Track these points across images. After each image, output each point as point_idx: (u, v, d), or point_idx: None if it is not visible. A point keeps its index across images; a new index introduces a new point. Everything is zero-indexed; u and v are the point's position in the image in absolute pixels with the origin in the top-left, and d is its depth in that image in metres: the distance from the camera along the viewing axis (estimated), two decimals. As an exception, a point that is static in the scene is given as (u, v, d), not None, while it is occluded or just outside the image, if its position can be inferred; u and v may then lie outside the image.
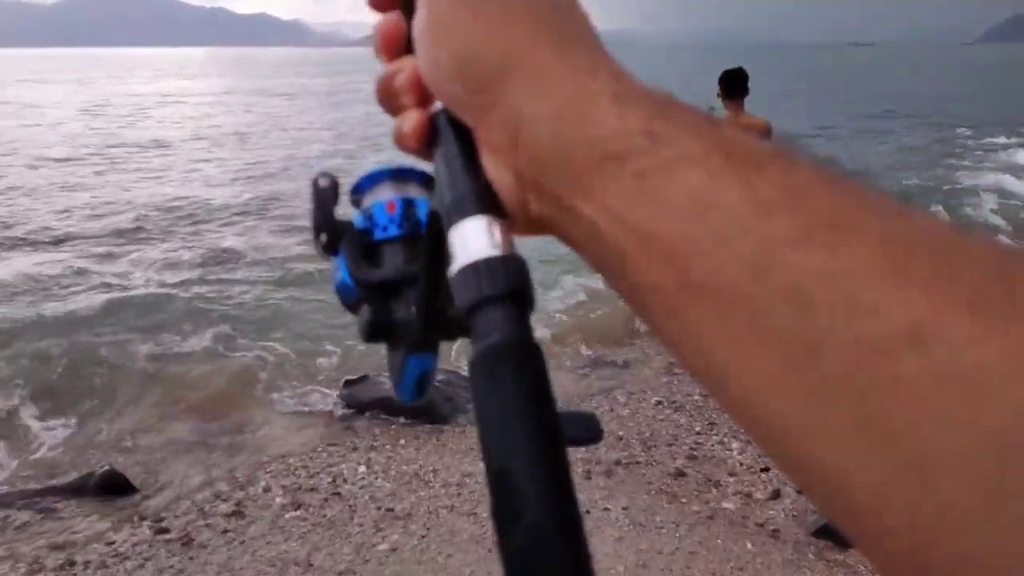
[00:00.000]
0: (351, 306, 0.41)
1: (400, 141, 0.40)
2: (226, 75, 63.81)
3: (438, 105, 0.39)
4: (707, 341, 0.28)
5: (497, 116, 0.35)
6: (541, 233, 0.36)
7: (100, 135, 19.30)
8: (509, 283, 0.32)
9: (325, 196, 0.42)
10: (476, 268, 0.33)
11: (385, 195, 0.42)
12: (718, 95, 6.00)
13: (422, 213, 0.42)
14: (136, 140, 18.29)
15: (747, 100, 5.98)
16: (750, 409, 0.27)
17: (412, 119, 0.39)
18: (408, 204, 0.42)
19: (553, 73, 0.34)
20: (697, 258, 0.28)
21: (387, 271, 0.40)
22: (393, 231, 0.41)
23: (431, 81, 0.38)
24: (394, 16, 0.41)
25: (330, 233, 0.41)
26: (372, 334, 0.40)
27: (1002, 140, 17.18)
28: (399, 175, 0.43)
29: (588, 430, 0.36)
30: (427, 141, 0.39)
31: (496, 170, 0.35)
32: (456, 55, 0.36)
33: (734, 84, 5.94)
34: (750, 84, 5.98)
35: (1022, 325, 0.23)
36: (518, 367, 0.30)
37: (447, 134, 0.38)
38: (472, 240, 0.34)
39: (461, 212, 0.35)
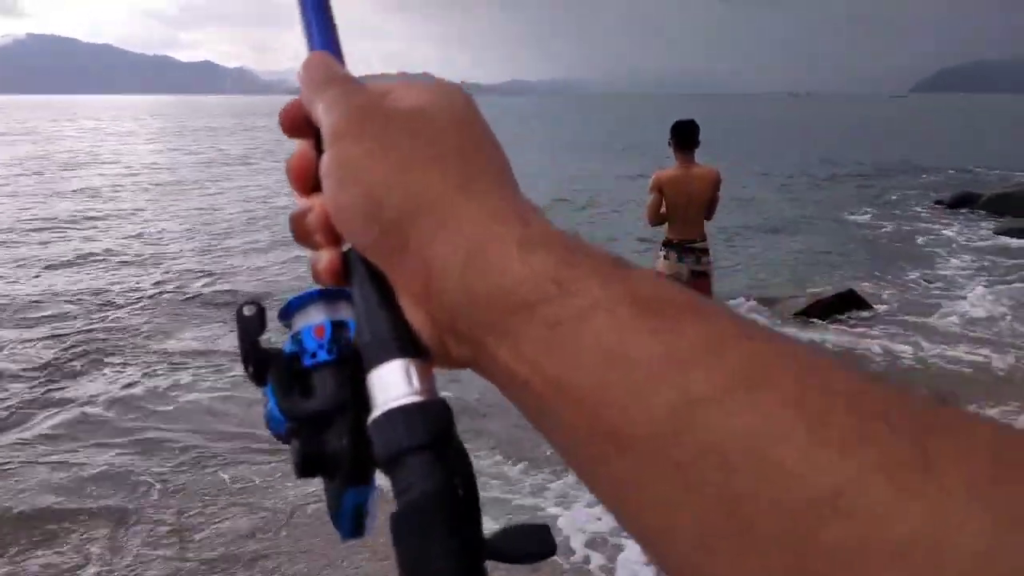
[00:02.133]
0: (282, 437, 0.39)
1: (316, 278, 0.40)
2: (169, 120, 63.30)
3: None
4: (633, 497, 0.28)
5: (406, 262, 0.34)
6: (464, 368, 0.36)
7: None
8: (428, 432, 0.32)
9: (250, 325, 0.40)
10: (392, 417, 0.33)
11: (314, 318, 0.40)
12: (669, 144, 6.16)
13: (353, 334, 0.39)
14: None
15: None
16: (687, 571, 0.27)
17: (325, 258, 0.39)
18: (338, 327, 0.39)
19: (459, 217, 0.33)
20: (615, 410, 0.28)
21: (317, 402, 0.38)
22: (323, 356, 0.39)
23: (338, 223, 0.37)
24: (305, 148, 0.40)
25: (256, 363, 0.39)
26: (304, 469, 0.37)
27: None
28: (328, 296, 0.41)
29: (540, 544, 0.35)
30: (342, 278, 0.39)
31: (412, 312, 0.35)
32: (361, 199, 0.35)
33: (685, 135, 6.11)
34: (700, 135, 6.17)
35: (938, 487, 0.23)
36: (441, 521, 0.30)
37: (361, 272, 0.37)
38: (390, 385, 0.34)
39: (379, 355, 0.35)
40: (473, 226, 0.33)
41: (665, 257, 6.33)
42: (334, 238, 0.39)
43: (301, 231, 0.40)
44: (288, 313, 0.42)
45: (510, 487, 4.38)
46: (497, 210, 0.34)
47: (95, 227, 12.82)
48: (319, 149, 0.38)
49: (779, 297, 8.17)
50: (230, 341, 6.73)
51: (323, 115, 0.38)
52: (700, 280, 6.30)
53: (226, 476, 4.53)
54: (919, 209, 14.91)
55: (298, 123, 0.41)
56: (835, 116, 77.02)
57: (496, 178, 0.36)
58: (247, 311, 0.40)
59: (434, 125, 0.37)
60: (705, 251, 6.30)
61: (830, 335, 7.07)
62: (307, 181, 0.40)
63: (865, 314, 7.60)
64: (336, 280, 0.39)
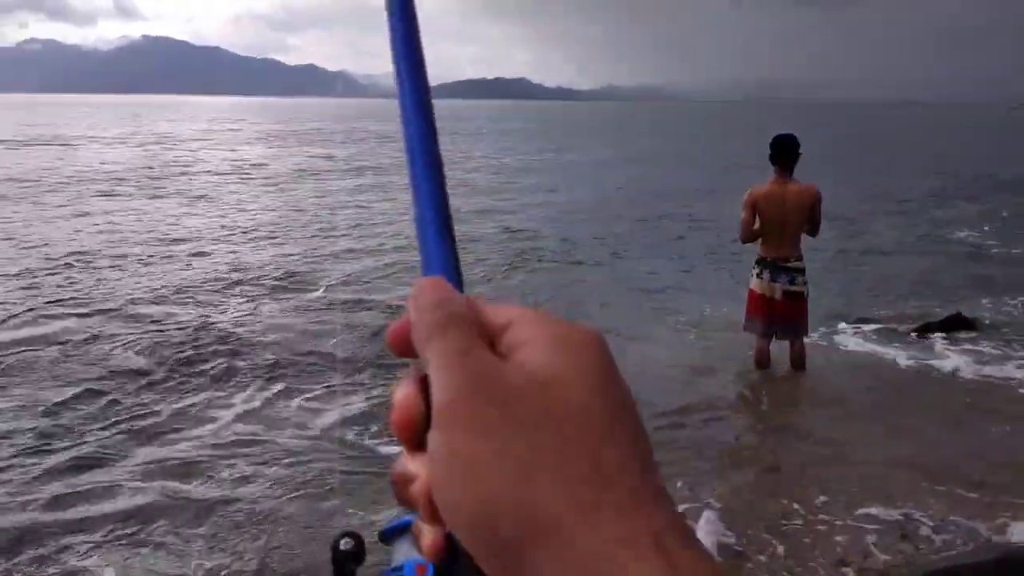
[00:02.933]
0: None
1: (420, 550, 0.36)
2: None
3: None
4: None
5: None
6: None
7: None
8: None
9: (346, 561, 0.37)
10: None
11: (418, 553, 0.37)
12: (770, 158, 6.05)
13: None
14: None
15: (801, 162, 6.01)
16: None
17: (429, 536, 0.35)
18: (441, 573, 0.36)
19: (583, 547, 0.29)
20: None
21: None
22: None
23: (444, 517, 0.33)
24: (412, 396, 0.35)
25: None
26: None
27: None
28: None
29: None
30: (447, 557, 0.35)
31: None
32: (471, 510, 0.31)
33: (782, 150, 6.00)
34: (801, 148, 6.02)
35: None
36: None
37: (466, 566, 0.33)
38: None
39: None
40: (599, 561, 0.28)
41: (758, 276, 6.20)
42: (439, 518, 0.33)
43: (404, 495, 0.35)
44: (390, 535, 0.40)
45: None
46: (631, 536, 0.29)
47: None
48: (428, 400, 0.34)
49: (881, 318, 7.87)
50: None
51: (433, 374, 0.33)
52: (794, 301, 6.14)
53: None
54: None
55: (408, 349, 0.36)
56: (950, 126, 73.25)
57: (633, 483, 0.30)
58: (344, 545, 0.38)
59: (564, 406, 0.31)
60: (800, 271, 6.13)
61: (929, 355, 6.79)
62: (413, 437, 0.35)
63: (971, 336, 7.25)
64: (439, 558, 0.35)
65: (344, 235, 12.87)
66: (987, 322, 7.76)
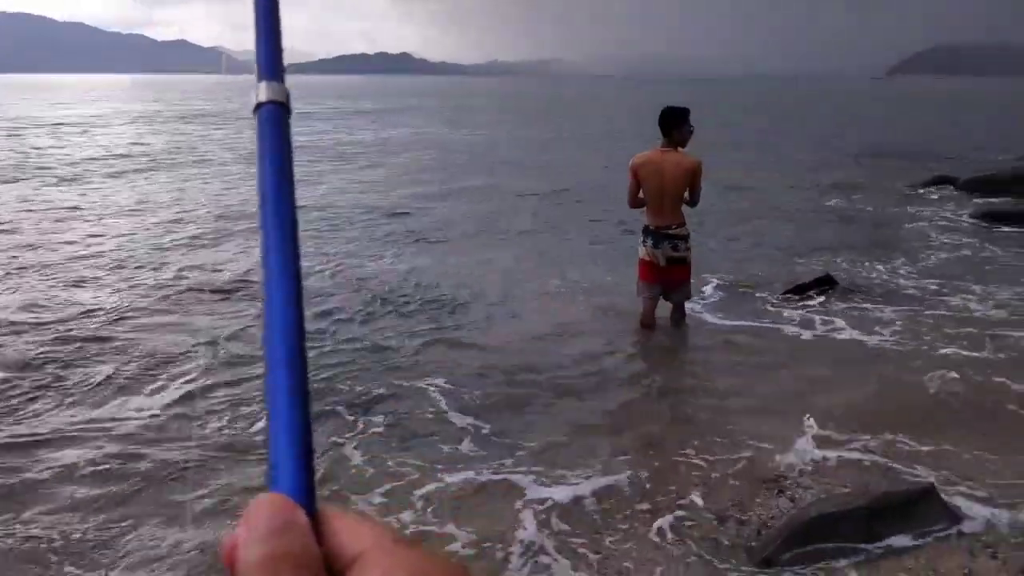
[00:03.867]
0: None
1: None
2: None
3: None
4: None
5: None
6: None
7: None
8: None
9: None
10: None
11: None
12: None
13: None
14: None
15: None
16: None
17: None
18: None
19: None
20: None
21: None
22: None
23: None
24: None
25: None
26: None
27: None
28: None
29: None
30: None
31: None
32: None
33: (662, 120, 6.14)
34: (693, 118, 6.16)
35: None
36: None
37: None
38: None
39: None
40: None
41: (643, 243, 6.41)
42: None
43: None
44: None
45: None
46: None
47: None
48: None
49: (757, 281, 8.21)
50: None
51: None
52: (677, 266, 6.35)
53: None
54: (898, 193, 14.98)
55: None
56: (821, 99, 77.23)
57: None
58: None
59: None
60: (682, 237, 6.31)
61: (799, 313, 7.14)
62: None
63: (837, 296, 7.66)
64: None
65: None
66: (857, 282, 8.21)
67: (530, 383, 5.57)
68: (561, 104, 65.45)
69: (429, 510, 3.93)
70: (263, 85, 0.44)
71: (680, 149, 6.18)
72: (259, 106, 0.44)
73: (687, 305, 6.75)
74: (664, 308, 6.64)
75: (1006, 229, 11.21)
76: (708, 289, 7.87)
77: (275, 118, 0.44)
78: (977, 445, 4.51)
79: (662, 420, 5.09)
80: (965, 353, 6.09)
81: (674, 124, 6.10)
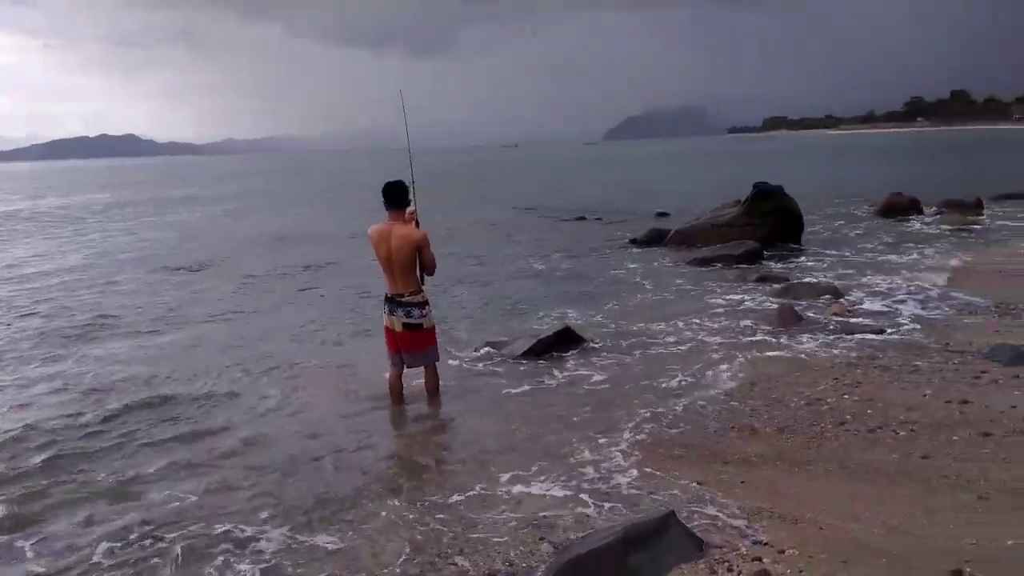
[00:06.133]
0: None
1: None
2: None
3: None
4: None
5: None
6: None
7: None
8: None
9: None
10: None
11: None
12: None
13: None
14: None
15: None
16: None
17: None
18: None
19: None
20: None
21: None
22: None
23: None
24: None
25: None
26: None
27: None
28: None
29: None
30: None
31: None
32: None
33: (392, 196, 6.23)
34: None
35: None
36: None
37: None
38: None
39: None
40: None
41: (383, 311, 6.46)
42: None
43: None
44: None
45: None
46: None
47: None
48: None
49: (505, 341, 8.44)
50: None
51: None
52: (413, 332, 6.40)
53: None
54: (615, 248, 16.22)
55: None
56: (538, 163, 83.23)
57: None
58: None
59: None
60: (417, 304, 6.37)
61: (556, 371, 7.52)
62: None
63: (577, 349, 8.13)
64: None
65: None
66: (588, 334, 8.70)
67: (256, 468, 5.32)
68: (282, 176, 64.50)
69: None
70: None
71: (407, 218, 6.28)
72: None
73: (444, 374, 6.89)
74: (419, 375, 6.73)
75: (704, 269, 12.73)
76: (460, 352, 8.15)
77: None
78: (703, 474, 4.94)
79: (402, 487, 5.02)
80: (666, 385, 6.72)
81: (392, 198, 6.26)
